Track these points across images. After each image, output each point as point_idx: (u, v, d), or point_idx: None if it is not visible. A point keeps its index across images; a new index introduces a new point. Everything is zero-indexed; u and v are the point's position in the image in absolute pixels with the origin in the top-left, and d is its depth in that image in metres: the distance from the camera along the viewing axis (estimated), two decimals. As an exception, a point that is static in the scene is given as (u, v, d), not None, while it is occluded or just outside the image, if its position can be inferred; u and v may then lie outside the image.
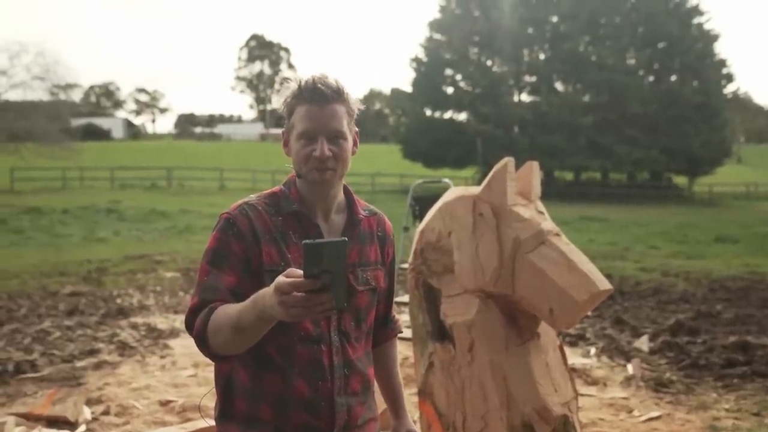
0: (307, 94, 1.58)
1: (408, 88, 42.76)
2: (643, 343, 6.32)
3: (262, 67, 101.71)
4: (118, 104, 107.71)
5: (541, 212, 2.66)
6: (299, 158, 1.60)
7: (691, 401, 4.85)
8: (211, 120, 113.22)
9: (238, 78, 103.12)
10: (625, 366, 5.68)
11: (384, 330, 1.89)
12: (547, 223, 2.58)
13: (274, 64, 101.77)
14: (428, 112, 41.40)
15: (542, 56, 40.86)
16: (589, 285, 2.34)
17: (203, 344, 1.49)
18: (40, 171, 29.51)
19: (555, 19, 40.33)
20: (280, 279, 1.25)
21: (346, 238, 1.25)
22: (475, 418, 2.72)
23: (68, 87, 39.89)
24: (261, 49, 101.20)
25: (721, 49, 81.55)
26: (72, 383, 5.02)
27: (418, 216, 7.22)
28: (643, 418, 4.47)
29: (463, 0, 40.70)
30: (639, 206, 30.17)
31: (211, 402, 4.35)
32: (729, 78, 40.45)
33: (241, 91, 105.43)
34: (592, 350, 6.20)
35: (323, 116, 1.57)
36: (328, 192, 1.63)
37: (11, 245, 13.14)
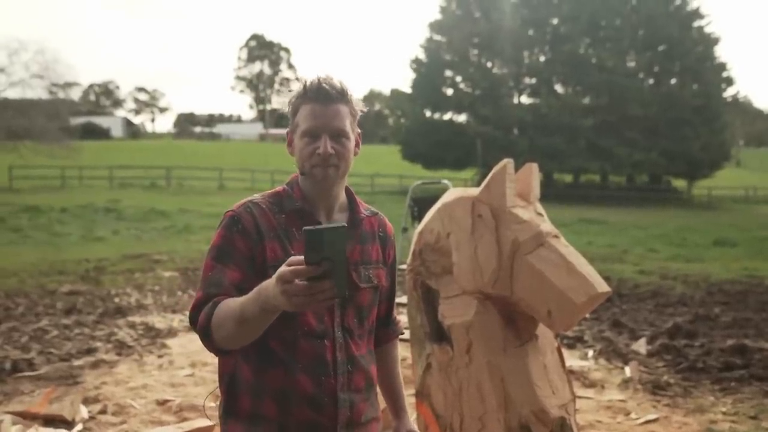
0: (312, 94, 1.61)
1: (408, 89, 42.77)
2: (641, 346, 6.32)
3: (262, 67, 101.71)
4: (118, 103, 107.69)
5: (540, 214, 2.66)
6: (302, 156, 1.62)
7: (689, 404, 4.85)
8: (211, 120, 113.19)
9: (238, 78, 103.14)
10: (622, 368, 5.68)
11: (385, 331, 1.90)
12: (546, 225, 2.58)
13: (274, 64, 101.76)
14: (428, 114, 41.39)
15: (542, 58, 40.86)
16: (588, 287, 2.34)
17: (207, 338, 1.49)
18: (39, 169, 29.46)
19: (555, 21, 40.34)
20: (282, 268, 1.27)
21: (345, 224, 1.26)
22: (473, 420, 2.72)
23: (67, 85, 39.89)
24: (261, 49, 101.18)
25: (721, 52, 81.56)
26: (69, 382, 5.01)
27: (417, 217, 7.22)
28: (640, 421, 4.47)
29: (463, 1, 40.71)
30: (638, 209, 30.19)
31: (211, 402, 4.34)
32: (729, 81, 40.47)
33: (241, 91, 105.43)
34: (590, 353, 6.20)
35: (327, 115, 1.60)
36: (331, 190, 1.65)
37: (9, 244, 13.13)
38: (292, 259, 1.28)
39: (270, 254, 1.57)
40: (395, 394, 1.93)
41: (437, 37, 41.28)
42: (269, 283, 1.32)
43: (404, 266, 3.09)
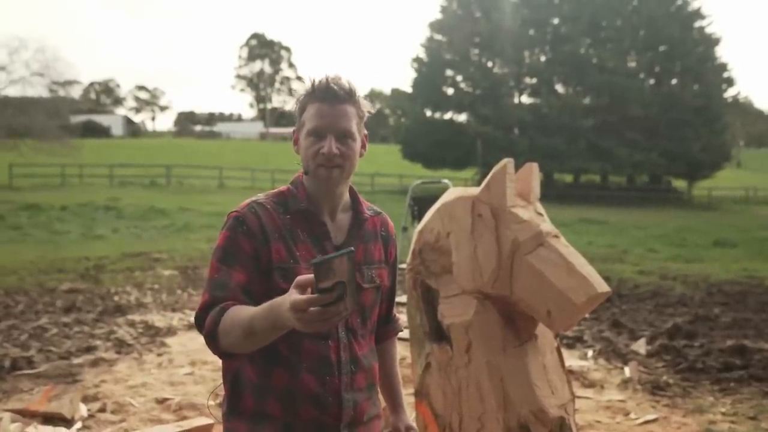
0: (320, 93, 1.61)
1: (408, 89, 42.80)
2: (641, 346, 6.32)
3: (263, 65, 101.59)
4: (118, 101, 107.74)
5: (540, 214, 2.66)
6: (307, 155, 1.62)
7: (688, 404, 4.84)
8: (211, 118, 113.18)
9: (239, 77, 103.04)
10: (622, 369, 5.68)
11: (385, 328, 1.92)
12: (546, 225, 2.57)
13: (275, 63, 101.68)
14: (428, 113, 41.40)
15: (543, 58, 40.86)
16: (588, 287, 2.34)
17: (213, 342, 1.50)
18: (39, 167, 29.45)
19: (556, 21, 40.34)
20: (295, 297, 1.25)
21: (353, 248, 1.25)
22: (472, 420, 2.72)
23: (68, 83, 39.95)
24: (261, 47, 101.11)
25: (722, 52, 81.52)
26: (68, 380, 5.01)
27: (417, 216, 7.23)
28: (639, 421, 4.47)
29: (464, 1, 40.71)
30: (638, 209, 30.19)
31: (211, 400, 4.32)
32: (729, 82, 40.48)
33: (241, 90, 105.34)
34: (590, 353, 6.20)
35: (333, 115, 1.60)
36: (335, 190, 1.65)
37: (9, 242, 13.13)
38: (300, 279, 1.26)
39: (275, 255, 1.57)
40: (393, 390, 1.94)
41: (438, 37, 41.28)
42: (282, 304, 1.31)
43: (404, 265, 3.10)
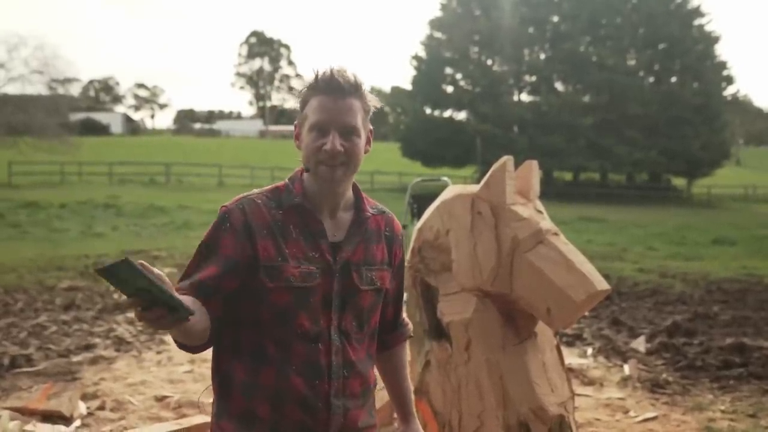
0: (323, 85, 1.53)
1: (408, 87, 42.71)
2: (640, 344, 6.32)
3: (262, 63, 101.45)
4: (117, 99, 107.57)
5: (539, 211, 2.66)
6: (309, 151, 1.54)
7: (687, 402, 4.85)
8: (211, 116, 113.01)
9: (238, 74, 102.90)
10: (621, 366, 5.68)
11: (394, 334, 1.83)
12: (546, 223, 2.57)
13: (274, 60, 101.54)
14: (428, 111, 41.35)
15: (542, 56, 40.83)
16: (587, 285, 2.34)
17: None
18: (38, 165, 29.44)
19: (556, 19, 40.30)
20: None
21: (126, 257, 1.19)
22: (471, 417, 2.72)
23: (67, 81, 39.94)
24: (261, 45, 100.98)
25: (721, 51, 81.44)
26: (67, 378, 5.01)
27: (417, 214, 7.21)
28: (639, 419, 4.47)
29: (463, -1, 40.68)
30: (638, 207, 30.19)
31: (209, 398, 4.34)
32: (729, 80, 40.46)
33: (241, 88, 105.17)
34: (589, 350, 6.20)
35: (337, 109, 1.52)
36: (337, 188, 1.57)
37: (8, 239, 13.11)
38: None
39: (263, 253, 1.52)
40: (404, 397, 1.84)
41: (437, 35, 41.23)
42: None
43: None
